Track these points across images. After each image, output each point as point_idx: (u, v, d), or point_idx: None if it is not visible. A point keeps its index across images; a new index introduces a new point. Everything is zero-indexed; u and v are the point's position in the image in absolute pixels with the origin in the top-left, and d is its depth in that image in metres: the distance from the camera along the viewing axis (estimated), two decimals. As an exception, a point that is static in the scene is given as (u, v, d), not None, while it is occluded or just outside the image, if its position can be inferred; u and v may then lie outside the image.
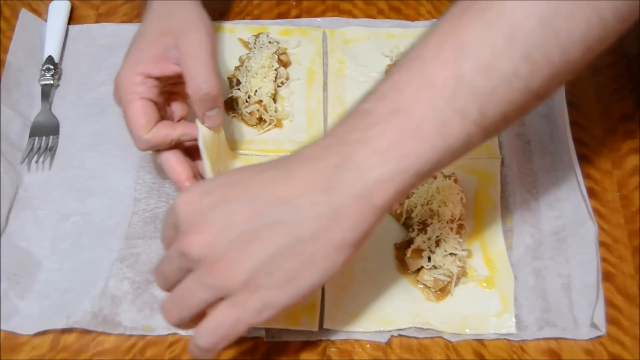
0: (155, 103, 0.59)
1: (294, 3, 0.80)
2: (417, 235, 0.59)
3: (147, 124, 0.57)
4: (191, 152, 0.62)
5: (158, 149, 0.59)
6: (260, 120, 0.69)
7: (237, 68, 0.72)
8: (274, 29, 0.77)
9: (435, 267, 0.58)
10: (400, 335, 0.57)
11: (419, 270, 0.59)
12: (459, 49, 0.42)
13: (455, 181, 0.63)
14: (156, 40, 0.59)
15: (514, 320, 0.57)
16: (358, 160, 0.42)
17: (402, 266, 0.60)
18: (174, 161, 0.60)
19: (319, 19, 0.78)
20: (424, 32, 0.45)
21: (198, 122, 0.59)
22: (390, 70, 0.45)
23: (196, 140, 0.59)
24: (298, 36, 0.76)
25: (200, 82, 0.57)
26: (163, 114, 0.60)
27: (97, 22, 0.79)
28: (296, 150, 0.46)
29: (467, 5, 0.43)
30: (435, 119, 0.42)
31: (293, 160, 0.45)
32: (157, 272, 0.48)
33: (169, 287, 0.47)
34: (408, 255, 0.58)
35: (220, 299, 0.44)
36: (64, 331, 0.57)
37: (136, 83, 0.58)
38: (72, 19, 0.79)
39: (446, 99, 0.42)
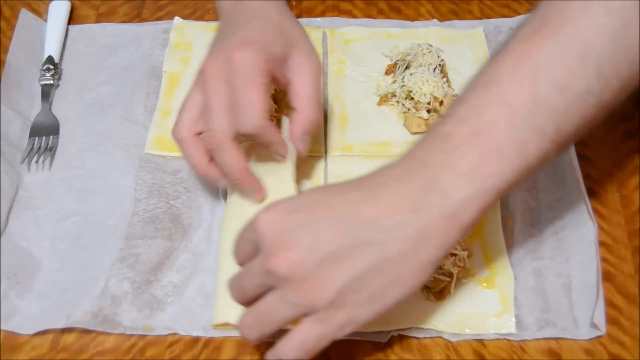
0: None
1: (294, 3, 0.80)
2: (417, 235, 0.59)
3: (266, 110, 0.55)
4: None
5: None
6: (261, 120, 0.69)
7: (237, 68, 0.72)
8: (274, 29, 0.77)
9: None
10: (400, 335, 0.57)
11: (419, 270, 0.59)
12: (534, 69, 0.44)
13: (455, 181, 0.63)
14: (277, 40, 0.57)
15: (514, 320, 0.57)
16: (443, 182, 0.44)
17: (402, 266, 0.60)
18: (238, 152, 0.56)
19: (319, 19, 0.78)
20: (495, 53, 0.47)
21: (288, 140, 0.59)
22: (464, 91, 0.47)
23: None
24: (298, 36, 0.76)
25: (312, 107, 0.57)
26: None
27: (97, 22, 0.79)
28: (375, 171, 0.47)
29: (538, 27, 0.46)
30: (514, 138, 0.44)
31: (374, 182, 0.46)
32: (234, 285, 0.49)
33: (247, 302, 0.48)
34: (408, 255, 0.58)
35: (303, 315, 0.45)
36: (64, 331, 0.57)
37: (261, 70, 0.55)
38: (72, 19, 0.79)
39: (524, 119, 0.44)
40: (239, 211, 0.59)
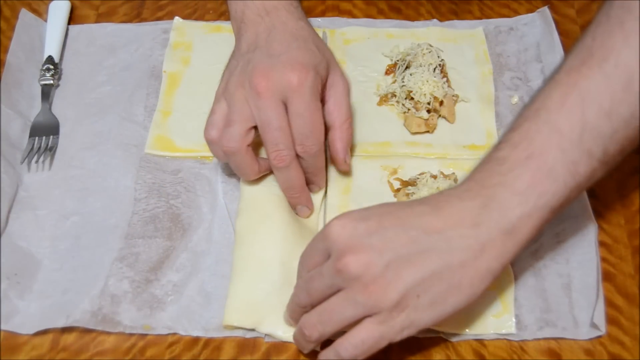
0: None
1: (294, 3, 0.80)
2: (417, 235, 0.59)
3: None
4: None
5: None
6: (261, 120, 0.69)
7: (237, 68, 0.72)
8: (274, 29, 0.77)
9: (435, 267, 0.58)
10: (400, 335, 0.57)
11: (419, 270, 0.59)
12: (582, 98, 0.49)
13: (455, 181, 0.63)
14: (322, 63, 0.59)
15: (514, 320, 0.57)
16: (501, 201, 0.49)
17: (402, 266, 0.60)
18: (252, 158, 0.60)
19: (319, 19, 0.78)
20: (543, 84, 0.52)
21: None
22: (515, 120, 0.53)
23: None
24: (298, 36, 0.76)
25: (349, 124, 0.61)
26: None
27: (97, 22, 0.79)
28: (439, 192, 0.53)
29: (584, 58, 0.50)
30: (565, 160, 0.49)
31: (439, 199, 0.51)
32: (301, 288, 0.52)
33: (313, 303, 0.51)
34: (408, 255, 0.58)
35: (366, 316, 0.48)
36: (64, 331, 0.57)
37: (318, 94, 0.58)
38: (72, 19, 0.79)
39: (574, 143, 0.49)
40: (258, 218, 0.60)
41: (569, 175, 0.49)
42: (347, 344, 0.49)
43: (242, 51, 0.60)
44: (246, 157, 0.59)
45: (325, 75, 0.59)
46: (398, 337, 0.49)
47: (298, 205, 0.61)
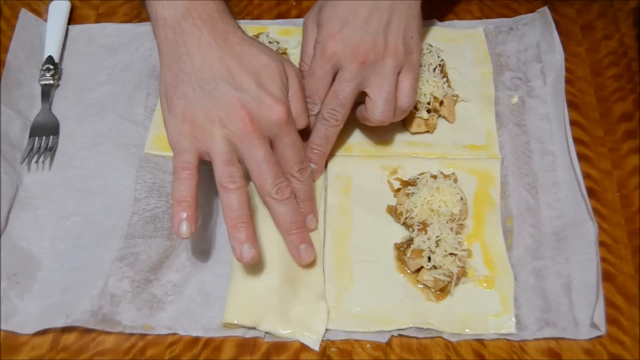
0: None
1: (294, 3, 0.80)
2: (417, 235, 0.59)
3: None
4: None
5: None
6: (261, 120, 0.69)
7: (237, 68, 0.72)
8: (274, 29, 0.77)
9: (435, 267, 0.58)
10: (400, 335, 0.57)
11: (419, 270, 0.59)
12: None
13: (455, 181, 0.63)
14: (278, 72, 0.59)
15: (514, 320, 0.57)
16: None
17: (402, 266, 0.60)
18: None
19: (319, 19, 0.78)
20: None
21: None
22: None
23: None
24: (298, 36, 0.76)
25: (304, 120, 0.62)
26: None
27: (97, 22, 0.79)
28: None
29: None
30: None
31: None
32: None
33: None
34: (408, 255, 0.58)
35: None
36: (64, 331, 0.57)
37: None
38: (72, 19, 0.79)
39: None
40: (257, 217, 0.61)
41: None
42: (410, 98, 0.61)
43: (192, 76, 0.57)
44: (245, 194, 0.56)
45: (285, 77, 0.60)
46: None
47: (302, 243, 0.58)
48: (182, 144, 0.57)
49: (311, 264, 0.59)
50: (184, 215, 0.54)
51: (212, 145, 0.56)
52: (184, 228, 0.54)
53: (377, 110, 0.61)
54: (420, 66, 0.66)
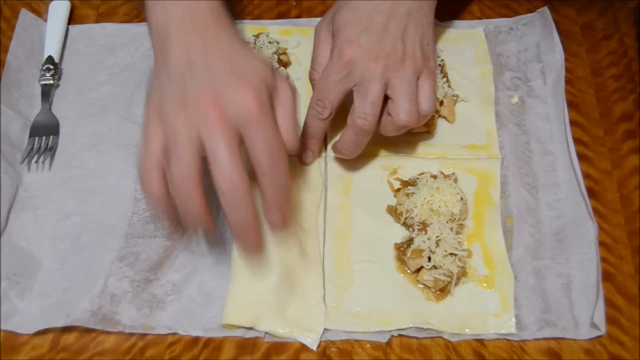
0: None
1: (294, 3, 0.80)
2: (417, 235, 0.59)
3: None
4: None
5: None
6: (261, 120, 0.69)
7: (237, 68, 0.72)
8: (274, 29, 0.77)
9: (435, 267, 0.58)
10: (400, 335, 0.57)
11: (419, 270, 0.59)
12: None
13: (455, 181, 0.63)
14: (262, 66, 0.52)
15: (514, 320, 0.57)
16: None
17: (402, 266, 0.60)
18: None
19: (319, 19, 0.78)
20: None
21: None
22: None
23: None
24: (298, 36, 0.76)
25: (292, 139, 0.53)
26: None
27: (97, 22, 0.79)
28: None
29: None
30: None
31: None
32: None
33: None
34: (408, 255, 0.58)
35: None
36: (64, 331, 0.57)
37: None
38: (72, 19, 0.79)
39: None
40: None
41: None
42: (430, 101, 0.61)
43: (172, 70, 0.52)
44: (199, 189, 0.50)
45: (273, 84, 0.52)
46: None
47: (250, 250, 0.52)
48: (148, 130, 0.52)
49: (309, 265, 0.59)
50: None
51: (171, 135, 0.50)
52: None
53: (402, 111, 0.60)
54: (437, 73, 0.66)
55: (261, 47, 0.72)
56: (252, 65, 0.52)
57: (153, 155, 0.51)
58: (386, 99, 0.61)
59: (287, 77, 0.72)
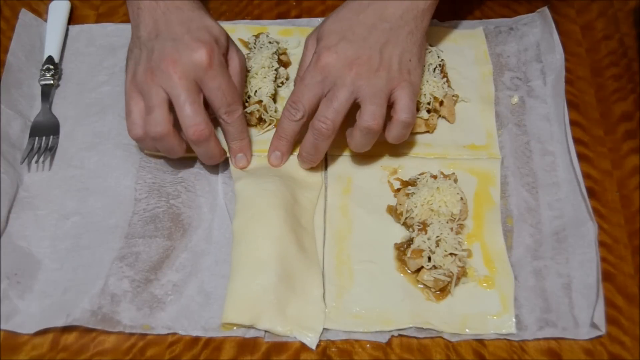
0: None
1: (294, 3, 0.80)
2: (417, 235, 0.59)
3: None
4: None
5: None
6: (260, 120, 0.69)
7: (237, 68, 0.72)
8: (274, 29, 0.77)
9: (435, 267, 0.58)
10: (400, 335, 0.57)
11: (419, 270, 0.59)
12: None
13: (455, 181, 0.63)
14: (216, 29, 0.63)
15: (514, 320, 0.57)
16: None
17: (402, 266, 0.60)
18: (179, 137, 0.62)
19: (319, 19, 0.78)
20: None
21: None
22: None
23: None
24: (298, 36, 0.76)
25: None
26: None
27: (97, 22, 0.79)
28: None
29: None
30: None
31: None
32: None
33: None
34: (408, 255, 0.58)
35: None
36: (64, 331, 0.57)
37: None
38: (72, 19, 0.79)
39: None
40: (254, 216, 0.60)
41: None
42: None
43: (142, 39, 0.62)
44: (175, 137, 0.60)
45: (226, 45, 0.63)
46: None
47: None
48: (128, 97, 0.61)
49: (308, 263, 0.59)
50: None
51: (147, 95, 0.59)
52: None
53: (366, 113, 0.60)
54: (420, 89, 0.66)
55: (261, 47, 0.72)
56: (205, 26, 0.62)
57: (136, 115, 0.61)
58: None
59: (287, 78, 0.73)
